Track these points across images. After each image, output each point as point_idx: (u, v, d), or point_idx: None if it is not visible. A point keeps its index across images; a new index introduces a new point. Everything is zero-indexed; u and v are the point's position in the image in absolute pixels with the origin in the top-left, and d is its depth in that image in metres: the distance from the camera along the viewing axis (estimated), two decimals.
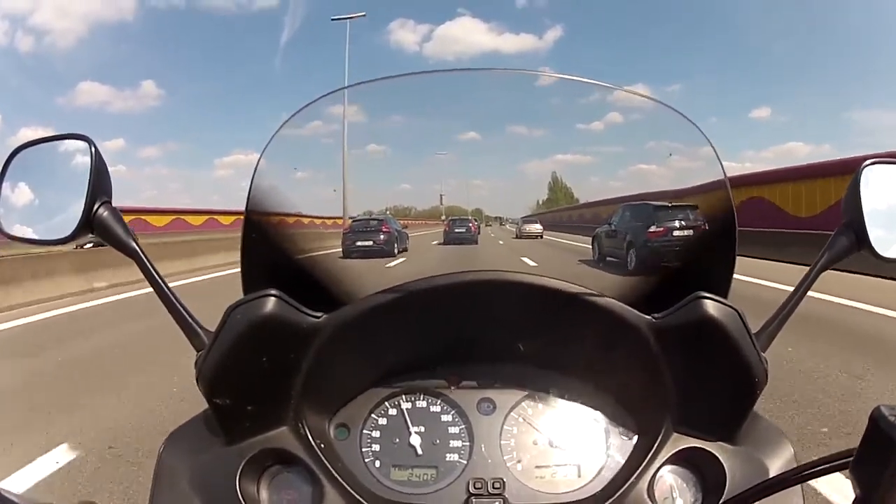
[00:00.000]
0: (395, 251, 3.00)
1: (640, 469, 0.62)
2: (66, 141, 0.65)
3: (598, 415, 0.68)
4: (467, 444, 0.67)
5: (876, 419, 0.40)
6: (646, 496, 0.61)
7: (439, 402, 0.69)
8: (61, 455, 2.74)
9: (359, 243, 2.53)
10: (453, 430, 0.67)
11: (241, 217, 0.67)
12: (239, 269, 0.65)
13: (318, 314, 0.61)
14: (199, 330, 0.62)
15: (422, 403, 0.68)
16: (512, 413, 0.68)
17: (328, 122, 0.79)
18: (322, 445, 0.62)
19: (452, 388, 0.69)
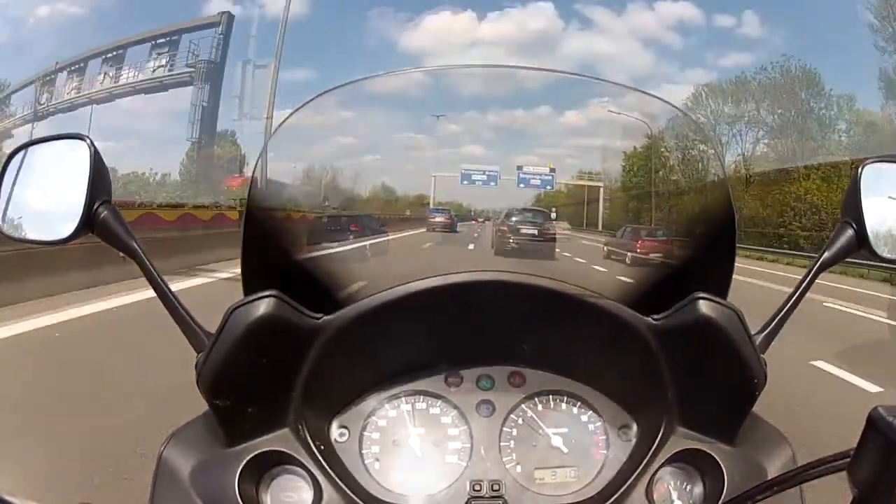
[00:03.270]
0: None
1: (639, 470, 0.62)
2: (65, 141, 0.65)
3: (597, 416, 0.68)
4: (467, 445, 0.67)
5: (873, 420, 0.40)
6: (644, 497, 0.61)
7: (439, 403, 0.68)
8: None
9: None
10: (453, 431, 0.67)
11: None
12: None
13: (318, 315, 0.61)
14: (199, 331, 0.61)
15: (422, 405, 0.68)
16: (511, 415, 0.68)
17: (327, 119, 0.79)
18: (322, 447, 0.62)
19: (452, 389, 0.69)
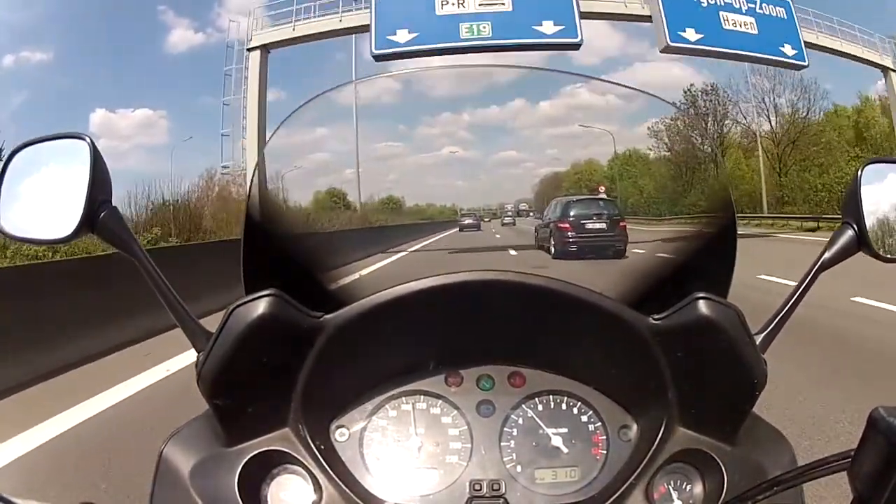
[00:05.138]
0: None
1: (639, 470, 0.62)
2: (65, 140, 0.65)
3: (597, 416, 0.68)
4: (468, 445, 0.67)
5: (874, 420, 0.40)
6: (644, 497, 0.61)
7: (439, 403, 0.69)
8: None
9: None
10: (453, 431, 0.67)
11: None
12: None
13: (319, 314, 0.61)
14: (199, 331, 0.62)
15: (422, 405, 0.68)
16: (512, 415, 0.68)
17: (303, 137, 0.77)
18: (322, 447, 0.63)
19: (452, 389, 0.69)
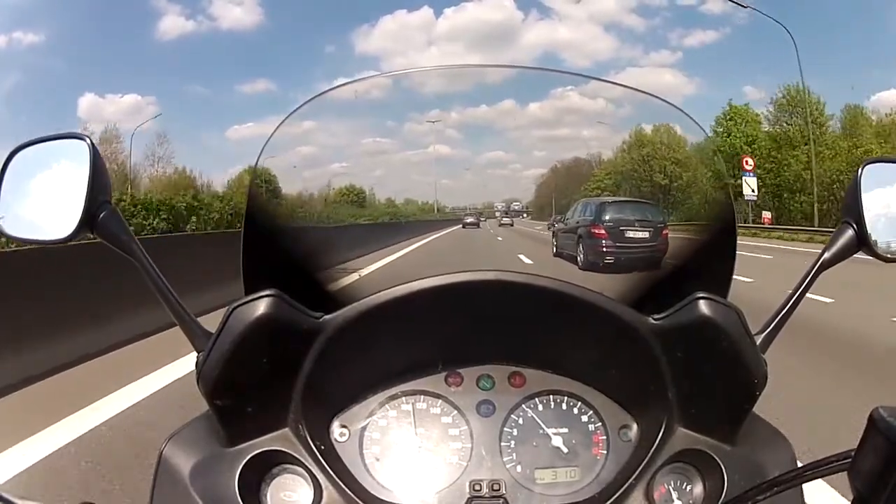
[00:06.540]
0: None
1: (639, 470, 0.62)
2: (65, 140, 0.65)
3: (597, 416, 0.68)
4: (467, 445, 0.67)
5: (874, 420, 0.40)
6: (644, 497, 0.61)
7: (439, 403, 0.68)
8: None
9: None
10: (453, 431, 0.67)
11: None
12: None
13: (319, 314, 0.61)
14: (199, 331, 0.62)
15: (422, 405, 0.68)
16: (512, 415, 0.68)
17: (327, 120, 0.79)
18: (322, 447, 0.62)
19: (452, 389, 0.69)
